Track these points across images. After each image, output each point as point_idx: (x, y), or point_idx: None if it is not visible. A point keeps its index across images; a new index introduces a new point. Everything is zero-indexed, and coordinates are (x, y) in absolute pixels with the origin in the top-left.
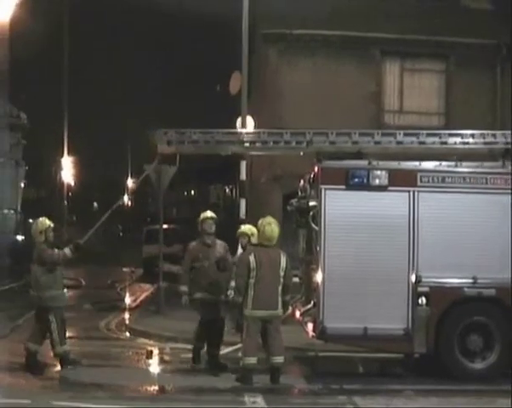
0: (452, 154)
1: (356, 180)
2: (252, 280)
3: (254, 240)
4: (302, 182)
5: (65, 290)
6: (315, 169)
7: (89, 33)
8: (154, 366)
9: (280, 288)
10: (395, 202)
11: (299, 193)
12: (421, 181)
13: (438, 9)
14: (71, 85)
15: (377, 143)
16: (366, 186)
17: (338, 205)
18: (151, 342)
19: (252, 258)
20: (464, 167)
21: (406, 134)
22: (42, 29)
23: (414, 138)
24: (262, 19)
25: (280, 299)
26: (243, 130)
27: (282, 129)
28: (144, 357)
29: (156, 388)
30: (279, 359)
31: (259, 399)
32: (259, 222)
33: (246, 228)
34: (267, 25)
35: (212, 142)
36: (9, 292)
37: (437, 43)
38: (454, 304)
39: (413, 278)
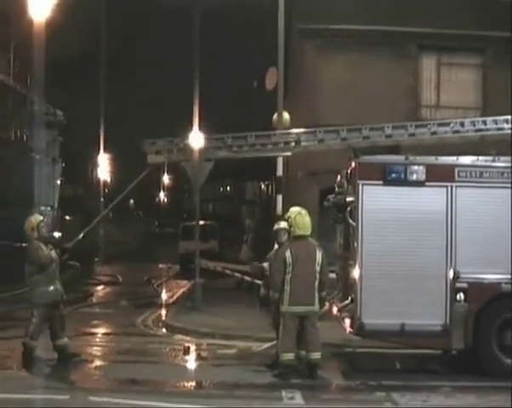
0: (486, 142)
1: (394, 175)
2: (288, 276)
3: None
4: (339, 177)
5: (58, 285)
6: (352, 164)
7: (128, 31)
8: (191, 362)
9: (316, 283)
10: (432, 198)
11: (336, 188)
12: (459, 176)
13: (475, 3)
14: (109, 82)
15: (411, 135)
16: (404, 181)
17: (375, 200)
18: (188, 338)
19: (288, 254)
20: (502, 162)
21: (440, 125)
22: (80, 27)
23: (448, 128)
24: (298, 15)
25: (317, 295)
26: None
27: (318, 125)
28: (181, 353)
29: (194, 383)
30: (316, 355)
31: (297, 395)
32: (288, 215)
33: (283, 224)
34: (303, 21)
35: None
36: None
37: (474, 37)
38: (492, 300)
39: (451, 274)
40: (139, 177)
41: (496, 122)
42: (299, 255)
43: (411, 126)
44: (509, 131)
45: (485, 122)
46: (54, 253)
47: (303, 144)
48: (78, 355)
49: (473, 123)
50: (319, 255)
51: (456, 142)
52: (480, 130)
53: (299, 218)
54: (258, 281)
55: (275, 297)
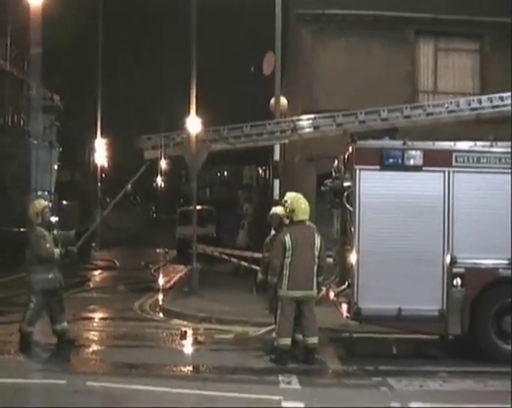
0: (481, 119)
1: (391, 160)
2: (287, 260)
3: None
4: (336, 162)
5: (57, 273)
6: (350, 149)
7: (124, 15)
8: (188, 347)
9: (315, 268)
10: (429, 183)
11: (333, 173)
12: (456, 161)
13: None
14: (105, 66)
15: (406, 117)
16: (401, 166)
17: (372, 185)
18: (185, 322)
19: (287, 238)
20: (500, 148)
21: (435, 106)
22: (76, 10)
23: (443, 109)
24: (295, 0)
25: (315, 280)
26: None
27: (315, 110)
28: (178, 338)
29: (190, 368)
30: (313, 340)
31: (293, 380)
32: (284, 200)
33: (278, 209)
34: (300, 6)
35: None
36: None
37: (471, 23)
38: (489, 286)
39: (448, 259)
40: (137, 173)
41: (491, 100)
42: (298, 240)
43: (406, 108)
44: (504, 108)
45: (480, 101)
46: (57, 251)
47: (299, 131)
48: (74, 341)
49: (468, 102)
50: (317, 240)
51: (451, 121)
52: (475, 109)
53: (298, 202)
54: (255, 267)
55: (273, 282)
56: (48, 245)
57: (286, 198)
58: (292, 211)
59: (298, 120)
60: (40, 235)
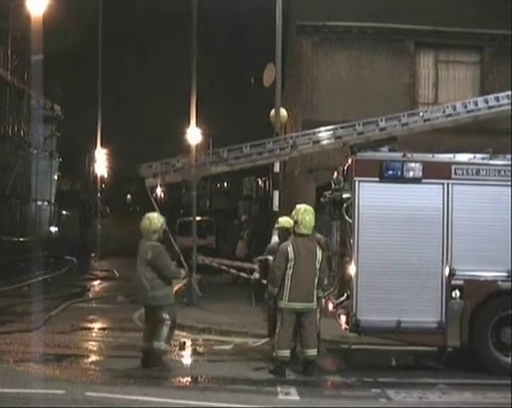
0: (478, 122)
1: (390, 172)
2: (289, 271)
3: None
4: (336, 174)
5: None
6: (349, 161)
7: (124, 27)
8: (187, 357)
9: (316, 281)
10: (429, 195)
11: (333, 185)
12: (455, 173)
13: (472, 0)
14: (106, 77)
15: (404, 125)
16: (401, 178)
17: (371, 197)
18: (184, 333)
19: (290, 249)
20: (499, 160)
21: (432, 111)
22: (76, 22)
23: (440, 114)
24: (296, 11)
25: (315, 292)
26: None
27: (315, 121)
28: (177, 348)
29: (189, 378)
30: (312, 352)
31: (292, 391)
32: (296, 211)
33: (284, 221)
34: (301, 17)
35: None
36: (44, 284)
37: (472, 35)
38: (488, 298)
39: (447, 271)
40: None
41: (486, 101)
42: (301, 251)
43: (403, 116)
44: (500, 108)
45: (476, 103)
46: (183, 271)
47: (298, 148)
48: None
49: (464, 105)
50: (319, 253)
51: (449, 126)
52: (471, 111)
53: (303, 215)
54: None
55: (273, 292)
56: (177, 268)
57: (296, 210)
58: (296, 222)
59: (298, 136)
60: (164, 251)
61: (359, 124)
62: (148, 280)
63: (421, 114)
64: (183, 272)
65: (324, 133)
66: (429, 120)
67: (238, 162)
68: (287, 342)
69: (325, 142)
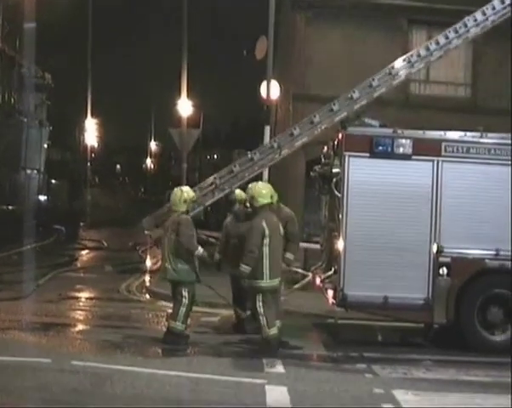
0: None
1: (380, 148)
2: (266, 249)
3: (274, 199)
4: (326, 148)
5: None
6: (340, 136)
7: None
8: None
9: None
10: (418, 172)
11: (323, 159)
12: (445, 151)
13: None
14: (96, 47)
15: (395, 75)
16: (390, 154)
17: (361, 172)
18: (171, 304)
19: (265, 225)
20: (489, 138)
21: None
22: None
23: (434, 46)
24: None
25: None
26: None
27: (308, 96)
28: (164, 319)
29: (176, 350)
30: (278, 324)
31: (278, 364)
32: (249, 187)
33: (238, 193)
34: None
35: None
36: (32, 252)
37: (465, 13)
38: (475, 276)
39: (435, 248)
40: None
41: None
42: (273, 226)
43: (392, 68)
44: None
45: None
46: (200, 249)
47: (286, 148)
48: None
49: (455, 30)
50: (280, 225)
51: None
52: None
53: (258, 188)
54: None
55: (246, 272)
56: (199, 246)
57: (254, 184)
58: (252, 197)
59: (281, 136)
60: (190, 225)
61: (334, 103)
62: (172, 253)
63: (411, 57)
64: (200, 250)
65: (304, 125)
66: (423, 58)
67: (230, 184)
68: (274, 320)
69: (307, 133)
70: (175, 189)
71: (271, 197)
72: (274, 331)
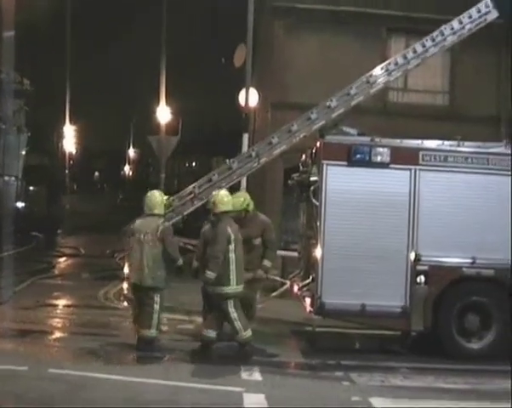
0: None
1: (358, 156)
2: (232, 255)
3: (251, 208)
4: (304, 157)
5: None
6: (318, 144)
7: (94, 3)
8: None
9: None
10: (396, 180)
11: (301, 168)
12: (423, 160)
13: None
14: (74, 53)
15: (373, 83)
16: (368, 163)
17: (339, 181)
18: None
19: (230, 230)
20: (467, 147)
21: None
22: None
23: (411, 54)
24: None
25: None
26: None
27: (286, 103)
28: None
29: (153, 357)
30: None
31: (255, 372)
32: (212, 195)
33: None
34: None
35: None
36: (10, 259)
37: (443, 22)
38: (453, 284)
39: (412, 256)
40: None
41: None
42: (237, 233)
43: (370, 76)
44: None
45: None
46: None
47: (264, 157)
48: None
49: (432, 38)
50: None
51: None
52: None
53: (220, 196)
54: None
55: (212, 278)
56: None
57: (218, 192)
58: (214, 203)
59: (259, 145)
60: (172, 234)
61: (312, 112)
62: (152, 260)
63: (389, 66)
64: (181, 260)
65: (282, 134)
66: (401, 66)
67: (208, 193)
68: (247, 322)
69: (286, 142)
70: (151, 192)
71: (241, 205)
72: (248, 333)
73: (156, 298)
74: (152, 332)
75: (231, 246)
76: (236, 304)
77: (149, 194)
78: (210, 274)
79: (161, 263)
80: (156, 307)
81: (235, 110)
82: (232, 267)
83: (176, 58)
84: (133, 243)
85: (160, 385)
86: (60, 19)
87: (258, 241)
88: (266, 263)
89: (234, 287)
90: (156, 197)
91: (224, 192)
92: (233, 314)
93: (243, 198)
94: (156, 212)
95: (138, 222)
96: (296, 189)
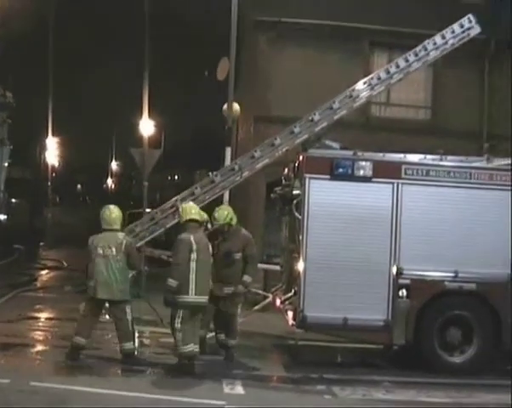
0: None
1: (341, 170)
2: (193, 264)
3: (234, 222)
4: (286, 170)
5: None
6: (300, 158)
7: (77, 14)
8: None
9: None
10: (378, 194)
11: (283, 181)
12: (405, 173)
13: (427, 2)
14: (57, 66)
15: (355, 98)
16: (351, 177)
17: (321, 194)
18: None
19: (192, 240)
20: (449, 161)
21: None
22: (28, 9)
23: (394, 69)
24: (253, 7)
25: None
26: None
27: (269, 117)
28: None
29: (135, 370)
30: (197, 349)
31: (237, 386)
32: (187, 205)
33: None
34: (258, 13)
35: None
36: None
37: (425, 36)
38: (435, 297)
39: (395, 270)
40: None
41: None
42: (202, 245)
43: (353, 90)
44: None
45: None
46: None
47: (246, 171)
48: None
49: (415, 53)
50: (209, 245)
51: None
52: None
53: (187, 206)
54: None
55: (173, 286)
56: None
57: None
58: (180, 213)
59: (242, 158)
60: (134, 244)
61: (295, 126)
62: (116, 273)
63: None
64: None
65: (266, 148)
66: (382, 82)
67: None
68: (192, 335)
69: (269, 156)
70: (109, 208)
71: (224, 219)
72: (190, 347)
73: (128, 310)
74: (132, 344)
75: (193, 256)
76: (187, 316)
77: (106, 210)
78: (171, 282)
79: (127, 277)
80: (130, 318)
81: (218, 123)
82: (192, 276)
83: (159, 71)
84: (94, 258)
85: (142, 398)
86: (43, 32)
87: (238, 256)
88: (246, 278)
89: (192, 297)
90: (114, 213)
91: (190, 203)
92: (177, 324)
93: (227, 212)
94: (115, 227)
95: (98, 237)
96: (278, 202)
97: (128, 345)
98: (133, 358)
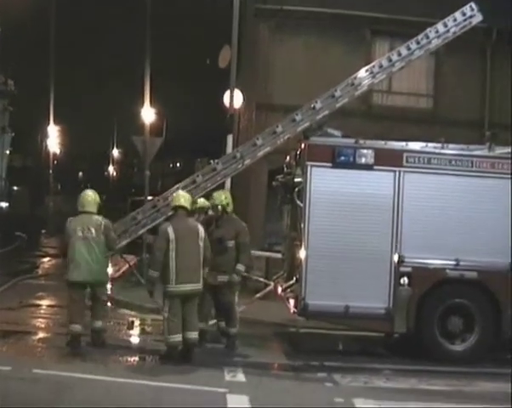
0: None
1: (343, 158)
2: (172, 253)
3: (229, 209)
4: (288, 158)
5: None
6: (302, 146)
7: (78, 3)
8: (135, 337)
9: (201, 260)
10: (380, 182)
11: (285, 169)
12: (407, 161)
13: None
14: (59, 54)
15: (357, 86)
16: (353, 164)
17: (323, 182)
18: (133, 312)
19: (170, 230)
20: (450, 150)
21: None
22: None
23: (396, 57)
24: None
25: (201, 272)
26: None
27: (271, 105)
28: (125, 327)
29: (137, 358)
30: (194, 335)
31: (239, 373)
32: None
33: (201, 202)
34: (259, 1)
35: None
36: None
37: (427, 25)
38: (436, 285)
39: (396, 258)
40: None
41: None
42: (182, 231)
43: (355, 78)
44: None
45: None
46: None
47: (248, 158)
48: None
49: (417, 40)
50: (201, 230)
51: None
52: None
53: (177, 194)
54: None
55: (153, 277)
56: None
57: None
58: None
59: (243, 146)
60: (111, 226)
61: (297, 114)
62: (97, 254)
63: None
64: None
65: (267, 137)
66: (384, 69)
67: (193, 194)
68: (177, 327)
69: (270, 144)
70: (85, 191)
71: (221, 201)
72: (176, 337)
73: (105, 291)
74: (101, 323)
75: (172, 245)
76: (174, 305)
77: (83, 193)
78: (151, 273)
79: (106, 258)
80: (105, 298)
81: (220, 111)
82: (172, 265)
83: (161, 58)
84: (74, 241)
85: (144, 386)
86: (44, 20)
87: (231, 244)
88: (239, 266)
89: (174, 286)
90: (89, 196)
91: (182, 192)
92: (165, 313)
93: (224, 195)
94: (89, 209)
95: (76, 219)
96: (280, 190)
97: (99, 323)
98: (102, 336)
